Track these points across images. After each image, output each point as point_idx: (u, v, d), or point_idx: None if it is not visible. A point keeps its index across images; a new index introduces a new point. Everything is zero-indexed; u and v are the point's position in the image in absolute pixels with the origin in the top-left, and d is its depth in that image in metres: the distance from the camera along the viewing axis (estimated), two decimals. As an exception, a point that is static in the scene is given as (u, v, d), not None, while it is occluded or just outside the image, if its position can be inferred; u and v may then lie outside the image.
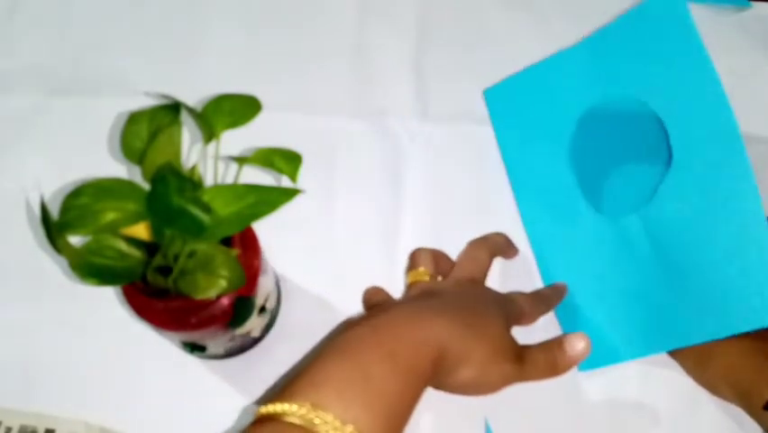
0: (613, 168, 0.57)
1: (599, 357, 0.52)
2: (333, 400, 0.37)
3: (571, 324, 0.54)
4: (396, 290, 0.55)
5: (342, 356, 0.39)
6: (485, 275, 0.53)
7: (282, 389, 0.38)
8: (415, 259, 0.53)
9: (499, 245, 0.55)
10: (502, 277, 0.56)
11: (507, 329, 0.47)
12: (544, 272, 0.56)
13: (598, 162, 0.57)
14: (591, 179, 0.56)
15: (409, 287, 0.52)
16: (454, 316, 0.44)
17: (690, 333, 0.50)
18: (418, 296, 0.49)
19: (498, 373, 0.45)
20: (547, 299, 0.53)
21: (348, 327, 0.43)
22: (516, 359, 0.46)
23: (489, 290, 0.51)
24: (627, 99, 0.52)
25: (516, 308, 0.50)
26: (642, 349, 0.52)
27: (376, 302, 0.52)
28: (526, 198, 0.58)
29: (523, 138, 0.58)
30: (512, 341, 0.47)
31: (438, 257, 0.53)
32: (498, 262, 0.55)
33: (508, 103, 0.59)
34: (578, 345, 0.47)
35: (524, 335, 0.48)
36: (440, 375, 0.42)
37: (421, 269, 0.52)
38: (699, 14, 0.64)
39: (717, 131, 0.47)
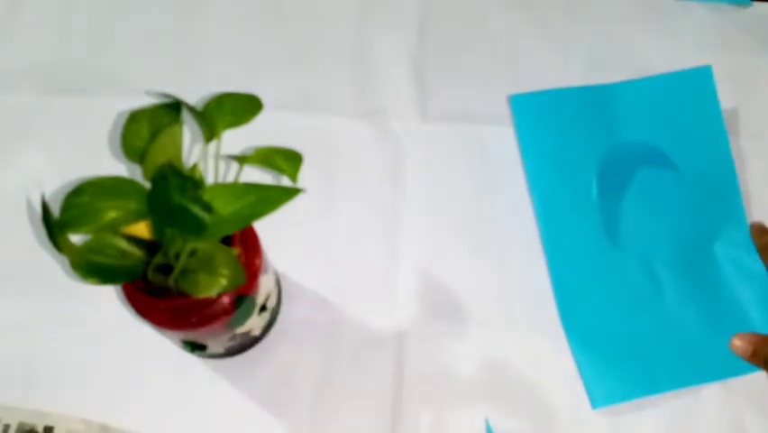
0: (637, 205, 0.57)
1: (615, 394, 0.52)
2: None
3: (588, 359, 0.53)
4: (395, 289, 0.55)
5: None
6: None
7: None
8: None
9: None
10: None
11: None
12: (561, 303, 0.54)
13: (624, 196, 0.57)
14: (617, 214, 0.57)
15: None
16: None
17: (711, 371, 0.53)
18: None
19: None
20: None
21: None
22: None
23: None
24: (648, 145, 0.58)
25: None
26: (658, 386, 0.52)
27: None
28: (549, 224, 0.56)
29: (549, 159, 0.57)
30: None
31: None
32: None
33: (537, 117, 0.58)
34: None
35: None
36: None
37: None
38: (699, 14, 0.65)
39: (723, 189, 0.57)
